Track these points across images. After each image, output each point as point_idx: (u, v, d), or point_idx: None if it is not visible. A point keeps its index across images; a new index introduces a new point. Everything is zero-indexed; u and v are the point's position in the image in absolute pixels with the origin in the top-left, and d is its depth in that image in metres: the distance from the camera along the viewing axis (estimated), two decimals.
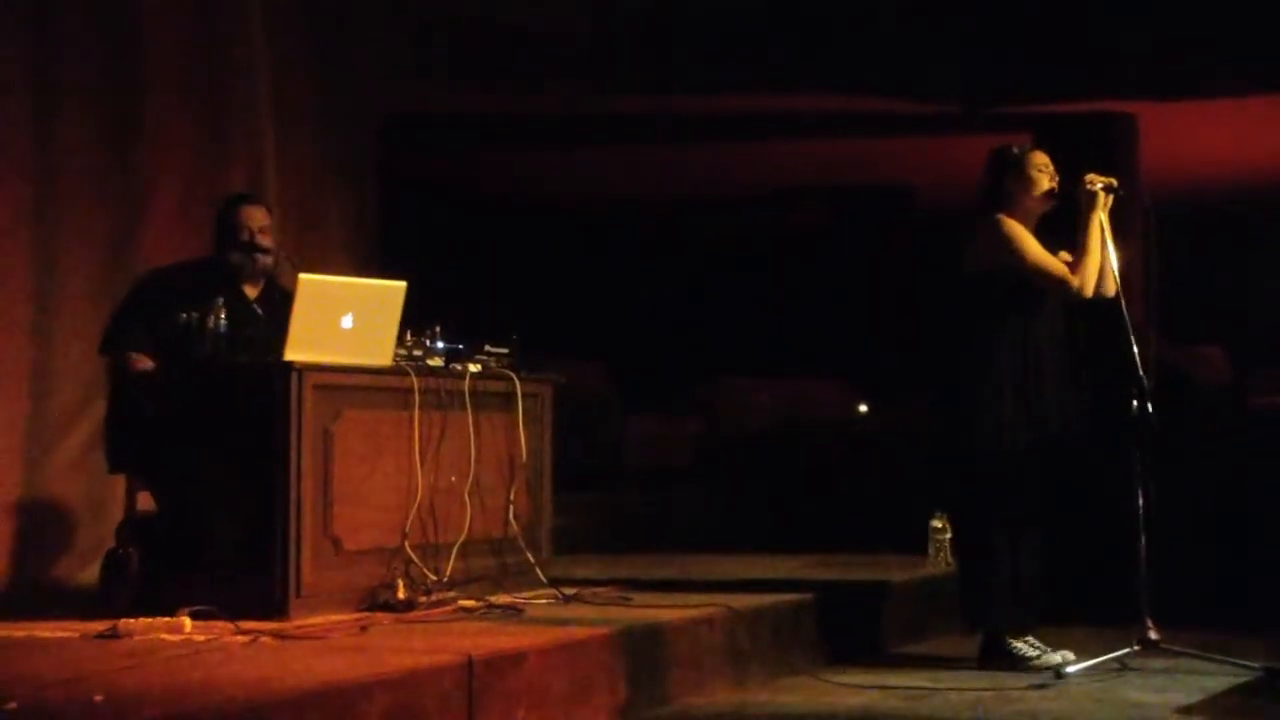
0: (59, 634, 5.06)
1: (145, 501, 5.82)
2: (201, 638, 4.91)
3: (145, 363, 5.83)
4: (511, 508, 6.25)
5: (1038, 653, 5.86)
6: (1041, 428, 5.88)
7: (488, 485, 6.14)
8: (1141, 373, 5.75)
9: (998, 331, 5.90)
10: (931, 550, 7.57)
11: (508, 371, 6.27)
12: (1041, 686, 5.54)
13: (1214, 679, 5.63)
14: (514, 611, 5.63)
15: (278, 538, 5.36)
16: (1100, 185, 5.93)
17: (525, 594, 6.06)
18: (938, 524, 7.52)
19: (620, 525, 9.43)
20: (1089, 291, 5.91)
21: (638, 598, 6.10)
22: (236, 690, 4.03)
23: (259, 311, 6.06)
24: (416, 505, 5.77)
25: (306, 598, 5.39)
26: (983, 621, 5.98)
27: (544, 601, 5.98)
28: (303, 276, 5.55)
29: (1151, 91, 9.74)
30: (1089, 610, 6.60)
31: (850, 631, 6.45)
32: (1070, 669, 5.69)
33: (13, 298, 6.63)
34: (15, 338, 6.64)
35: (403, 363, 5.80)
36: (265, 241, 6.11)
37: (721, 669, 5.69)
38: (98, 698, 3.89)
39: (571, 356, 9.60)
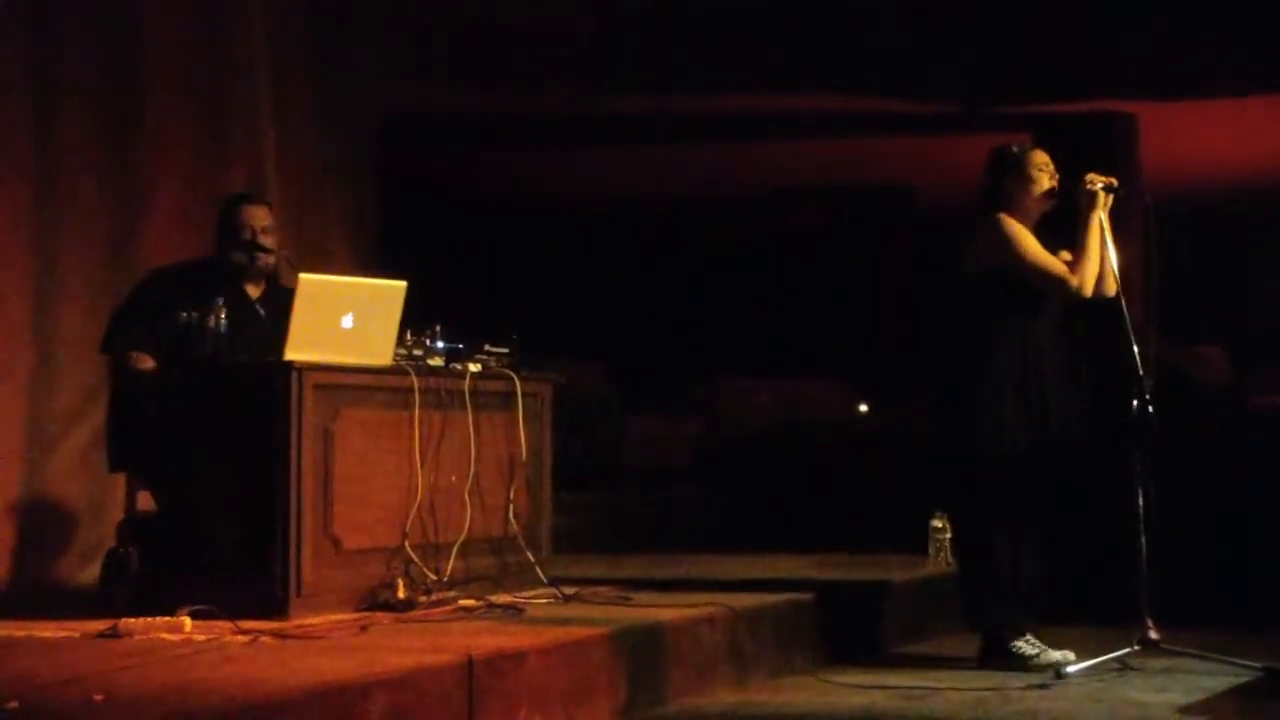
0: (59, 634, 5.06)
1: (145, 501, 5.82)
2: (201, 637, 4.91)
3: (146, 362, 5.82)
4: (511, 507, 6.25)
5: (1038, 652, 5.85)
6: (1041, 428, 5.89)
7: (488, 485, 6.14)
8: (1141, 373, 5.75)
9: (998, 331, 5.90)
10: (931, 550, 7.58)
11: (508, 371, 6.27)
12: (1041, 686, 5.54)
13: (1214, 679, 5.63)
14: (514, 611, 5.63)
15: (278, 537, 5.36)
16: (1100, 185, 5.93)
17: (525, 593, 6.06)
18: (938, 524, 7.53)
19: (620, 525, 9.43)
20: (1089, 291, 5.91)
21: (638, 597, 6.10)
22: (236, 690, 4.03)
23: (260, 311, 6.05)
24: (416, 505, 5.77)
25: (306, 597, 5.39)
26: (983, 621, 5.98)
27: (544, 601, 5.99)
28: (303, 276, 5.56)
29: (1151, 91, 9.71)
30: (1089, 610, 6.60)
31: (851, 631, 6.45)
32: (1070, 669, 5.69)
33: (13, 298, 6.63)
34: (15, 338, 6.63)
35: (403, 362, 5.80)
36: (267, 241, 6.10)
37: (722, 669, 5.69)
38: (98, 698, 3.88)
39: (571, 356, 9.59)
